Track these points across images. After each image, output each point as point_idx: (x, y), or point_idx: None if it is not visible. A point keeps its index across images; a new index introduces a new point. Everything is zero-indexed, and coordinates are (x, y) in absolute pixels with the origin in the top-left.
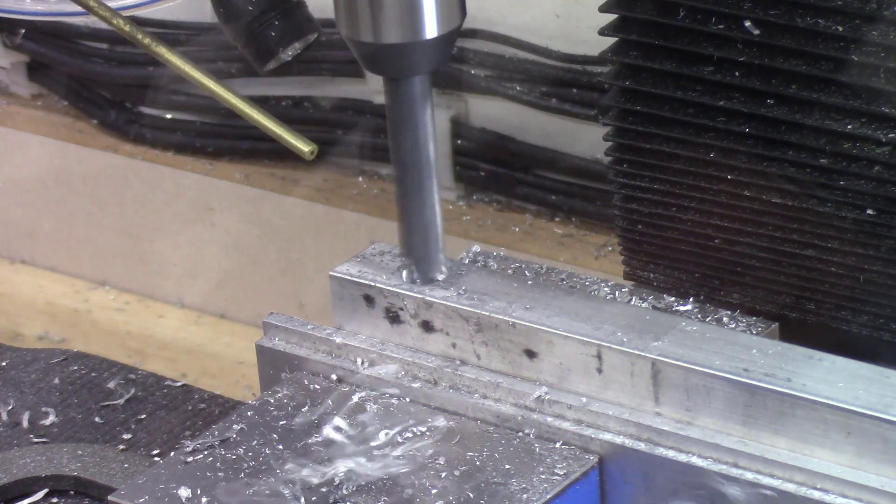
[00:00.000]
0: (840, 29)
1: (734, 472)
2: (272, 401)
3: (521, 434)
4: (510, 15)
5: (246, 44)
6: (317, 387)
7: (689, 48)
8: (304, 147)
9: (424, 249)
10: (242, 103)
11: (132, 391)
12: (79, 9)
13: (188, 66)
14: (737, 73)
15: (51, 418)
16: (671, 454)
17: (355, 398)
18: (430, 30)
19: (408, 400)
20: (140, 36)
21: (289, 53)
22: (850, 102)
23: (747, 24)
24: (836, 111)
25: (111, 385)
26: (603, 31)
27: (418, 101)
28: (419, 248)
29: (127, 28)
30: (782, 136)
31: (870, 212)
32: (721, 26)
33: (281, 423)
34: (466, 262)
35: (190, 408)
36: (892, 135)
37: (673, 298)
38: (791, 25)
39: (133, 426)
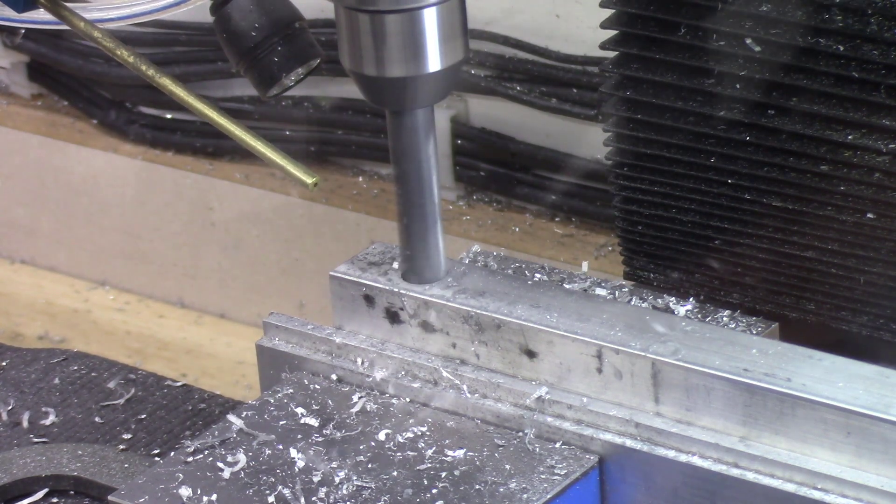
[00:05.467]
0: (841, 48)
1: (734, 472)
2: (272, 401)
3: (521, 434)
4: (510, 15)
5: (249, 69)
6: (317, 387)
7: (690, 62)
8: (307, 179)
9: (424, 258)
10: (247, 135)
11: (132, 391)
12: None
13: (191, 96)
14: (737, 86)
15: (51, 418)
16: (671, 454)
17: (355, 398)
18: (434, 63)
19: (408, 400)
20: (144, 67)
21: (291, 79)
22: (850, 115)
23: (748, 41)
24: (836, 122)
25: (111, 385)
26: (604, 46)
27: (421, 133)
28: (422, 279)
29: (131, 59)
30: (783, 145)
31: (870, 215)
32: (722, 43)
33: (281, 423)
34: (466, 262)
35: (190, 408)
36: (893, 145)
37: (673, 298)
38: (791, 45)
39: (133, 426)
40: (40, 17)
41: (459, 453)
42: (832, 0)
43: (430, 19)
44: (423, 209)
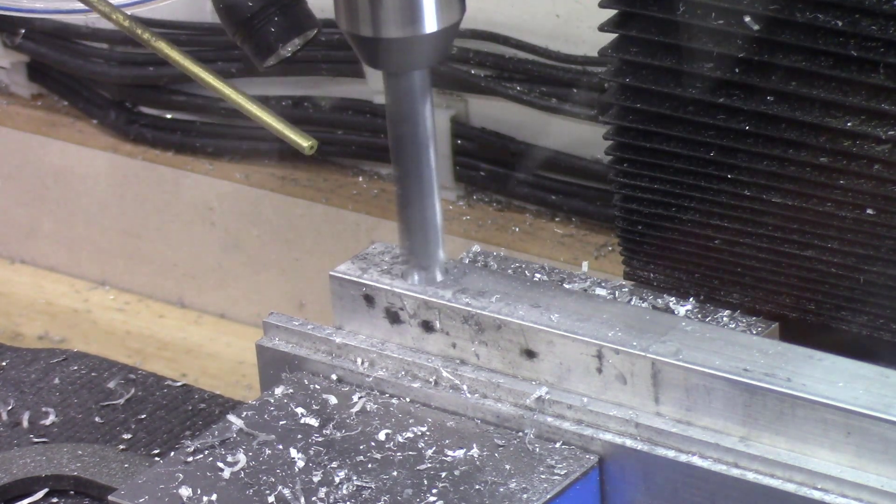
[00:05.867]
0: (839, 24)
1: (734, 472)
2: (272, 401)
3: (521, 434)
4: (510, 15)
5: (245, 40)
6: (317, 387)
7: (689, 44)
8: (303, 142)
9: (424, 249)
10: (242, 98)
11: (132, 391)
12: (77, 5)
13: (188, 61)
14: (736, 70)
15: (51, 418)
16: (671, 454)
17: (355, 398)
18: (430, 24)
19: (408, 400)
20: (140, 31)
21: (288, 49)
22: (849, 99)
23: (746, 19)
24: (835, 108)
25: (111, 385)
26: (603, 28)
27: (418, 96)
28: (419, 248)
29: (126, 23)
30: (782, 134)
31: (870, 211)
32: (721, 21)
33: (281, 423)
34: (466, 262)
35: (190, 408)
36: (892, 132)
37: (673, 298)
38: (790, 20)
39: (133, 426)
40: (36, 6)
41: (459, 453)
42: None
43: None
44: (421, 181)
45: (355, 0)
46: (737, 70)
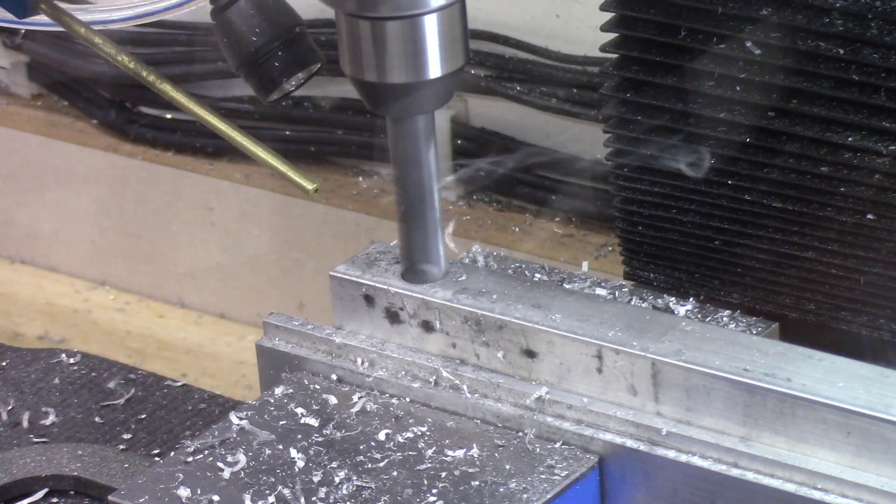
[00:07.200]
0: (841, 52)
1: (734, 472)
2: (272, 401)
3: (521, 434)
4: (510, 15)
5: (249, 74)
6: (317, 387)
7: (691, 65)
8: (307, 185)
9: (424, 258)
10: (248, 140)
11: (132, 391)
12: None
13: (192, 102)
14: (738, 88)
15: (51, 418)
16: (671, 454)
17: (355, 398)
18: (434, 70)
19: (408, 400)
20: (145, 73)
21: (292, 83)
22: (850, 117)
23: (748, 44)
24: (836, 124)
25: (111, 385)
26: (605, 48)
27: (422, 140)
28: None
29: (132, 65)
30: (783, 146)
31: (870, 216)
32: (722, 46)
33: (281, 423)
34: (466, 262)
35: (190, 408)
36: (893, 147)
37: (673, 298)
38: (791, 48)
39: (133, 426)
40: (42, 19)
41: (459, 453)
42: (832, 4)
43: (431, 26)
44: (424, 214)
45: (359, 46)
46: (737, 88)
